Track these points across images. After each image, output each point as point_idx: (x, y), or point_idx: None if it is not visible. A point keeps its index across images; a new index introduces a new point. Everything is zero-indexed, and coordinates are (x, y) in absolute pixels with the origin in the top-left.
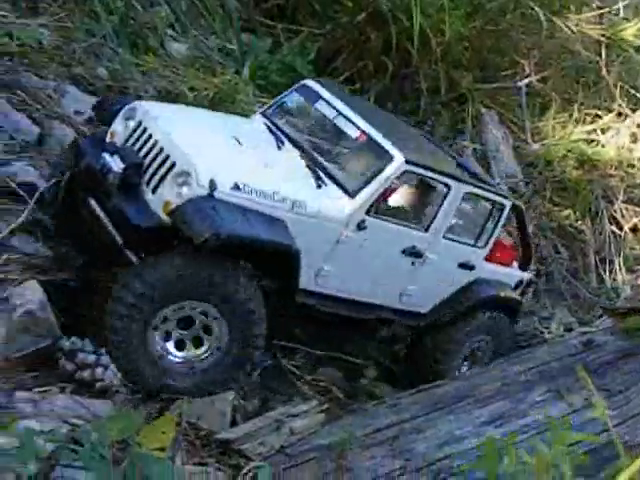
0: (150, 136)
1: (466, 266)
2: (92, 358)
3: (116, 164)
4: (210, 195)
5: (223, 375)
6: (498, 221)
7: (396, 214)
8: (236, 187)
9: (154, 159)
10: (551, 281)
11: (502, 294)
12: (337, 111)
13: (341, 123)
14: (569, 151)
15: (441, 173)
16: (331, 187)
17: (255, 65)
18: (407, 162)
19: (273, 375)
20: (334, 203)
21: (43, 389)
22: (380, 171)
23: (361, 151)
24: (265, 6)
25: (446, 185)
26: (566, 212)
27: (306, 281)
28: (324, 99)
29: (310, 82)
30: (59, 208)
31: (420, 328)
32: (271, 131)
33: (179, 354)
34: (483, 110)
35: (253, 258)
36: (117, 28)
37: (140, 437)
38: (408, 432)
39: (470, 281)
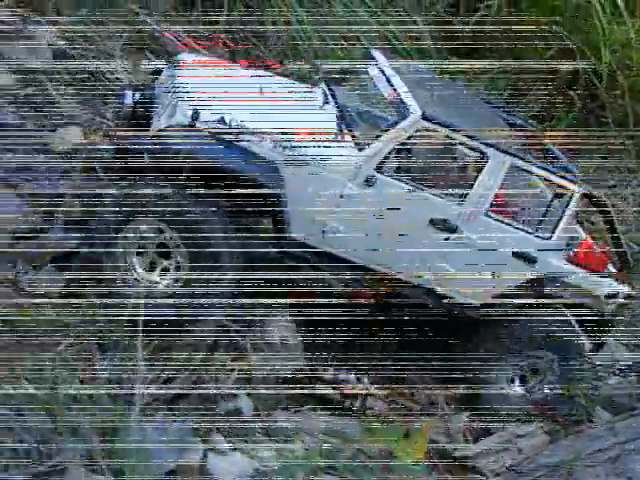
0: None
1: (523, 257)
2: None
3: (130, 98)
4: (191, 125)
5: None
6: (564, 209)
7: (423, 179)
8: (222, 121)
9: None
10: None
11: (575, 302)
12: (382, 73)
13: (380, 84)
14: None
15: (473, 138)
16: (346, 139)
17: None
18: (424, 118)
19: None
20: (339, 153)
21: (297, 409)
22: (393, 125)
23: (387, 108)
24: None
25: (482, 153)
26: None
27: (310, 235)
28: (377, 64)
29: (375, 51)
30: None
31: (470, 322)
32: (324, 93)
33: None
34: None
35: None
36: None
37: (397, 450)
38: (627, 453)
39: (533, 278)
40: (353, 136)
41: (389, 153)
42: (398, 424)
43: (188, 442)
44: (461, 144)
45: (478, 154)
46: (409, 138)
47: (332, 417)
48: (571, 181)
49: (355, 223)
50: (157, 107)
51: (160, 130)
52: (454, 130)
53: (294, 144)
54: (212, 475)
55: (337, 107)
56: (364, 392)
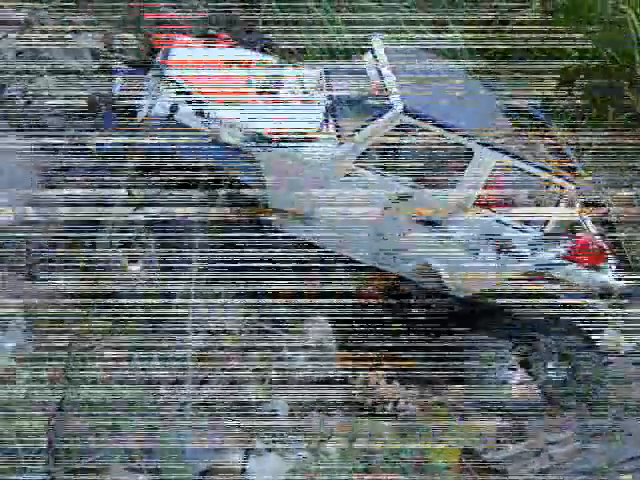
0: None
1: (511, 252)
2: (390, 392)
3: (118, 88)
4: (170, 116)
5: None
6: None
7: (406, 173)
8: (200, 113)
9: None
10: None
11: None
12: (376, 61)
13: (371, 73)
14: None
15: (457, 133)
16: (330, 131)
17: None
18: (406, 112)
19: None
20: (320, 145)
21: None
22: (374, 119)
23: (374, 100)
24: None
25: (468, 149)
26: None
27: (294, 225)
28: (372, 52)
29: (375, 39)
30: None
31: (458, 315)
32: (318, 82)
33: None
34: None
35: None
36: None
37: (432, 452)
38: None
39: (521, 272)
40: (337, 127)
41: (370, 146)
42: (430, 426)
43: (224, 443)
44: (442, 137)
45: (464, 149)
46: (389, 131)
47: (365, 419)
48: (572, 172)
49: (337, 214)
50: (143, 97)
51: (142, 120)
52: (436, 125)
53: (271, 137)
54: (249, 476)
55: (329, 96)
56: (396, 396)
